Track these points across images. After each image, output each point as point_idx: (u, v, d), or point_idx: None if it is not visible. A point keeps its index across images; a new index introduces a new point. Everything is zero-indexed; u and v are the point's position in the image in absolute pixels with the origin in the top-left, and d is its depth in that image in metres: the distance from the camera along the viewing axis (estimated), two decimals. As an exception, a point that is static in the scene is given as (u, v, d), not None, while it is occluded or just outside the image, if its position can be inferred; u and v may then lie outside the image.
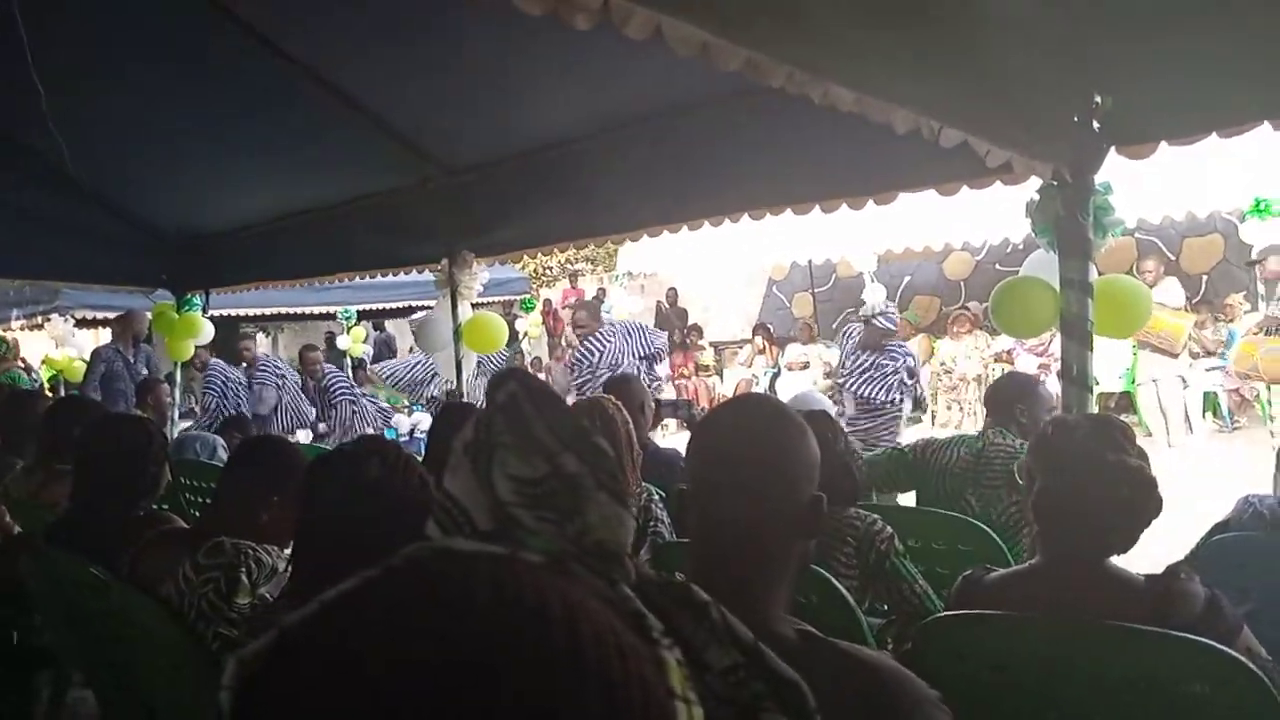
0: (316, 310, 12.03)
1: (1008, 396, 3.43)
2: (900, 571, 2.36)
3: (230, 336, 9.43)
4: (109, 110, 4.46)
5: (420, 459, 2.36)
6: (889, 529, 2.39)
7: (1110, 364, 9.13)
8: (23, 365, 10.45)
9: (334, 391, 8.41)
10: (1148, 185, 6.69)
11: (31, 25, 3.33)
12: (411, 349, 10.22)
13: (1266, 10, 2.47)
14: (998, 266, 11.19)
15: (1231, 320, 9.16)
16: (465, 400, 4.77)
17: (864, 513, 2.42)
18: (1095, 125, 2.76)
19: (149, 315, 7.04)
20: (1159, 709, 1.59)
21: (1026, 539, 2.61)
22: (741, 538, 1.19)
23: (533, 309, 16.49)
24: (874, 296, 11.10)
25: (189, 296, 6.52)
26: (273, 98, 4.19)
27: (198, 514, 3.65)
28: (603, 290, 16.83)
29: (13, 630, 2.68)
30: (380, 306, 11.98)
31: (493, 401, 0.57)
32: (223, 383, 7.73)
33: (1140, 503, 1.74)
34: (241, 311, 10.55)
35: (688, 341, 14.12)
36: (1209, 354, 8.98)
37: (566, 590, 0.45)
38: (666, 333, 10.01)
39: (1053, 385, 4.95)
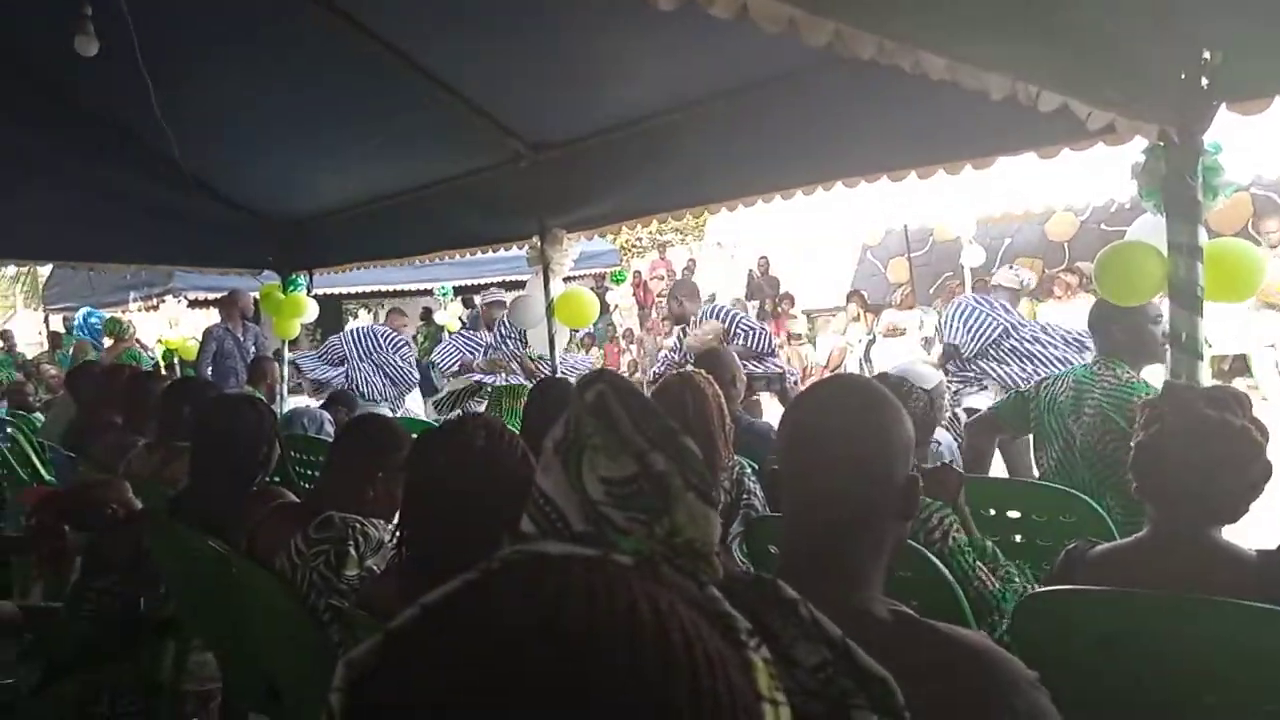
0: (415, 287, 12.30)
1: (1099, 318, 3.35)
2: (955, 571, 2.16)
3: (333, 314, 9.71)
4: (213, 100, 4.64)
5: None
6: (947, 521, 2.24)
7: (1224, 323, 8.75)
8: (140, 345, 10.96)
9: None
10: (1263, 138, 6.37)
11: (140, 22, 3.47)
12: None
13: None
14: (1103, 227, 10.79)
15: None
16: (560, 376, 4.83)
17: (925, 500, 2.25)
18: (1204, 82, 2.63)
19: (253, 294, 7.31)
20: (1269, 688, 1.55)
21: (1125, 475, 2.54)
22: (835, 519, 1.20)
23: (623, 281, 16.53)
24: (975, 258, 10.85)
25: (293, 277, 6.75)
26: (366, 81, 4.29)
27: (307, 486, 3.79)
28: (692, 260, 16.78)
29: (139, 599, 2.84)
30: (476, 282, 12.19)
31: (581, 401, 0.58)
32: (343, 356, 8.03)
33: (1240, 464, 1.68)
34: (344, 290, 10.86)
35: (779, 310, 14.01)
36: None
37: (656, 595, 0.46)
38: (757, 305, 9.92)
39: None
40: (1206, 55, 2.60)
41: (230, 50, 4.19)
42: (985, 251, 11.61)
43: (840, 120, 3.55)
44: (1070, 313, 10.51)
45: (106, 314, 12.01)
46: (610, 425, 0.57)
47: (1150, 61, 2.61)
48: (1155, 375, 3.17)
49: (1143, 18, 2.52)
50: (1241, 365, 8.96)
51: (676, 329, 6.57)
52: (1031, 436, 3.45)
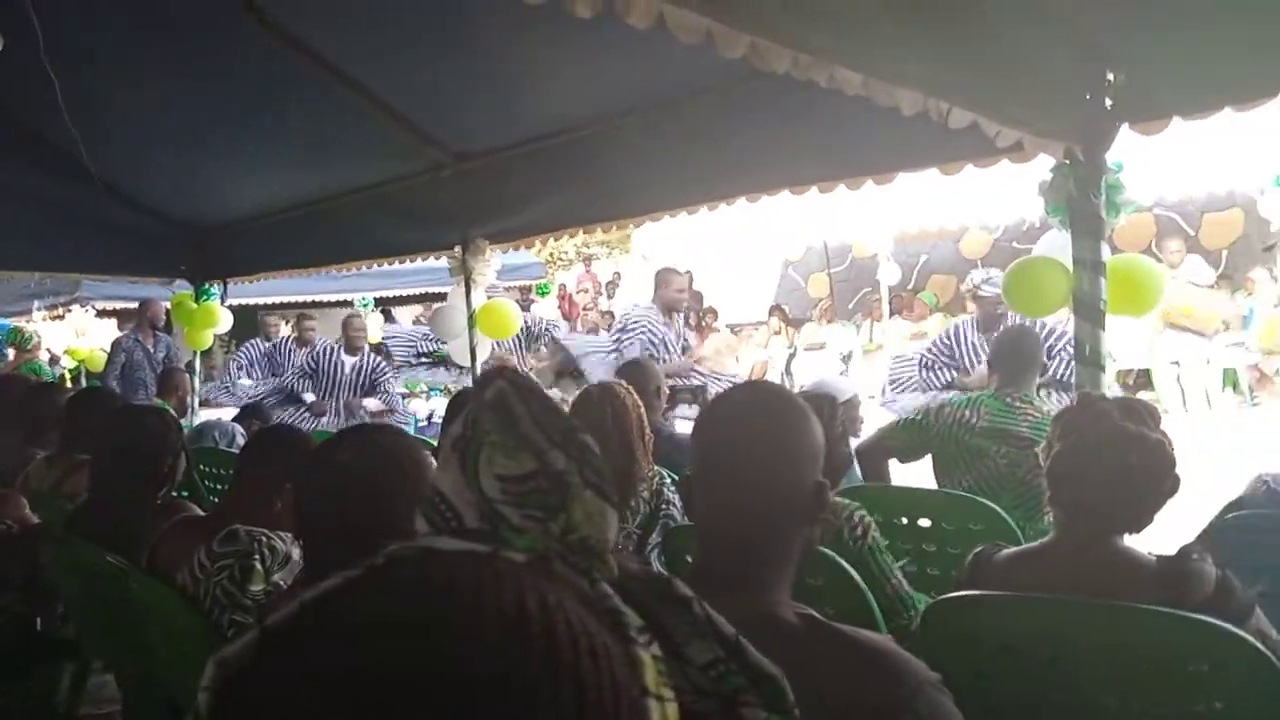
0: (333, 298, 12.08)
1: (1011, 348, 3.40)
2: (871, 569, 2.23)
3: (248, 325, 9.50)
4: (124, 102, 4.50)
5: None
6: (866, 521, 2.28)
7: (1128, 339, 9.07)
8: (49, 355, 10.56)
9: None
10: (1166, 162, 6.64)
11: (44, 15, 3.35)
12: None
13: (1280, -17, 2.44)
14: (1015, 245, 11.10)
15: (1251, 295, 9.08)
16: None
17: (844, 501, 2.31)
18: (1107, 102, 2.73)
19: (165, 304, 7.10)
20: (1167, 689, 1.60)
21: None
22: (745, 523, 1.20)
23: (548, 294, 16.47)
24: (892, 275, 11.08)
25: (207, 286, 6.57)
26: (285, 87, 4.20)
27: (216, 500, 3.69)
28: (618, 274, 16.80)
29: (35, 619, 2.72)
30: (396, 294, 12.02)
31: (481, 398, 0.58)
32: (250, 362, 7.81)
33: (1156, 476, 1.73)
34: (260, 300, 10.61)
35: (704, 323, 14.10)
36: (1227, 329, 8.91)
37: (544, 591, 0.45)
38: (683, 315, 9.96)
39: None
40: (1110, 76, 2.70)
41: (142, 50, 4.07)
42: (901, 269, 11.88)
43: (751, 135, 3.60)
44: (983, 328, 10.80)
45: (10, 324, 11.55)
46: (509, 423, 0.56)
47: (1057, 81, 2.70)
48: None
49: (1050, 39, 2.61)
50: (1144, 380, 9.29)
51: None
52: (933, 460, 3.48)
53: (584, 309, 15.48)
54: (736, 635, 0.55)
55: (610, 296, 15.97)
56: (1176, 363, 8.59)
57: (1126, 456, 1.72)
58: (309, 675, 0.41)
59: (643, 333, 5.81)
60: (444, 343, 6.35)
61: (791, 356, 12.15)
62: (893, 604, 2.24)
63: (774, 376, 12.39)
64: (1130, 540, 1.83)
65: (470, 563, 0.46)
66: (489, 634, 0.42)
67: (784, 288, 15.33)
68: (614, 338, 6.23)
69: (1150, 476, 1.73)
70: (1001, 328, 5.46)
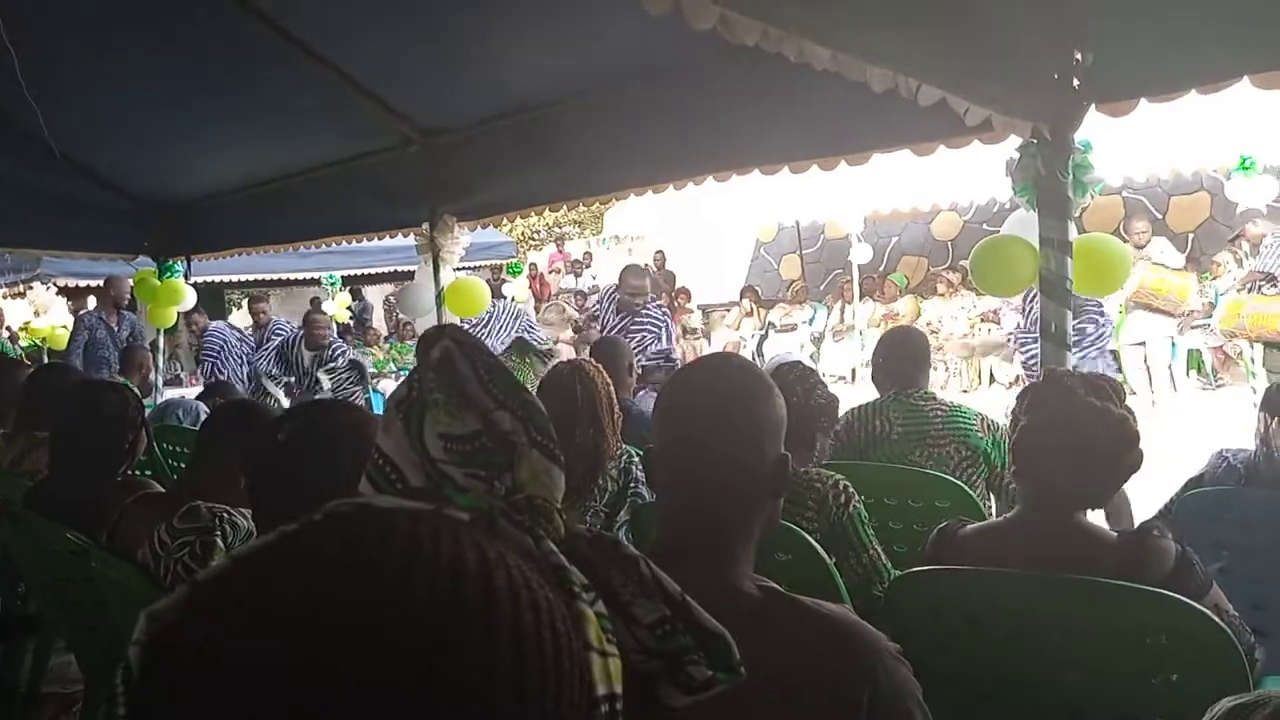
0: (301, 276, 11.97)
1: (902, 353, 3.38)
2: (851, 537, 2.29)
3: (215, 303, 9.40)
4: (84, 74, 4.40)
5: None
6: (850, 491, 2.32)
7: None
8: (8, 333, 10.40)
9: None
10: (1133, 144, 6.69)
11: (-1, -14, 3.27)
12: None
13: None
14: (985, 226, 11.19)
15: (1217, 278, 9.20)
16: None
17: (826, 473, 2.36)
18: (1075, 82, 2.74)
19: (130, 281, 7.00)
20: (1127, 662, 1.62)
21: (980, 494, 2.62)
22: (707, 495, 1.20)
23: (520, 273, 16.42)
24: (863, 256, 11.13)
25: (170, 263, 6.48)
26: (249, 60, 4.14)
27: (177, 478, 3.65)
28: (588, 254, 16.78)
29: (-5, 597, 2.69)
30: (364, 272, 11.93)
31: (426, 358, 0.56)
32: (221, 346, 7.70)
33: (1118, 452, 1.74)
34: (225, 278, 10.50)
35: (675, 304, 14.11)
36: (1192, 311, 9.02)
37: (484, 545, 0.45)
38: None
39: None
40: (1079, 56, 2.70)
41: (105, 21, 3.98)
42: (872, 250, 11.94)
43: (723, 113, 3.58)
44: (950, 310, 10.88)
45: (-32, 302, 11.37)
46: (454, 382, 0.55)
47: (1025, 60, 2.70)
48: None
49: (1020, 17, 2.61)
50: (1111, 360, 9.39)
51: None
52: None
53: (554, 290, 15.46)
54: (683, 595, 0.55)
55: (579, 276, 15.93)
56: (1142, 342, 8.68)
57: (1090, 431, 1.73)
58: (239, 628, 0.40)
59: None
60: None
61: (763, 338, 12.20)
62: (868, 573, 2.28)
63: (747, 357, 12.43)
64: (1093, 517, 1.85)
65: (408, 518, 0.45)
66: (424, 587, 0.42)
67: (756, 269, 15.37)
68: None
69: (1112, 452, 1.74)
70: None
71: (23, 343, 11.08)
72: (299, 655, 0.38)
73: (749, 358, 11.28)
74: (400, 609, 0.40)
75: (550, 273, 16.49)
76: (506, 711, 0.41)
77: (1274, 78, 2.46)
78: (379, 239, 5.70)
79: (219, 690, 0.38)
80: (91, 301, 9.89)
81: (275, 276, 11.72)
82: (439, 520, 0.46)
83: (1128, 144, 6.50)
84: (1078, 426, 1.75)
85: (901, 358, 3.36)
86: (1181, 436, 6.27)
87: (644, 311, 6.24)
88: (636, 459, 2.83)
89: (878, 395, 3.33)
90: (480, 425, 0.55)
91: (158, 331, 6.75)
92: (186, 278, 6.53)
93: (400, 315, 6.55)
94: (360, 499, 0.49)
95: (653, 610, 0.53)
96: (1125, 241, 7.98)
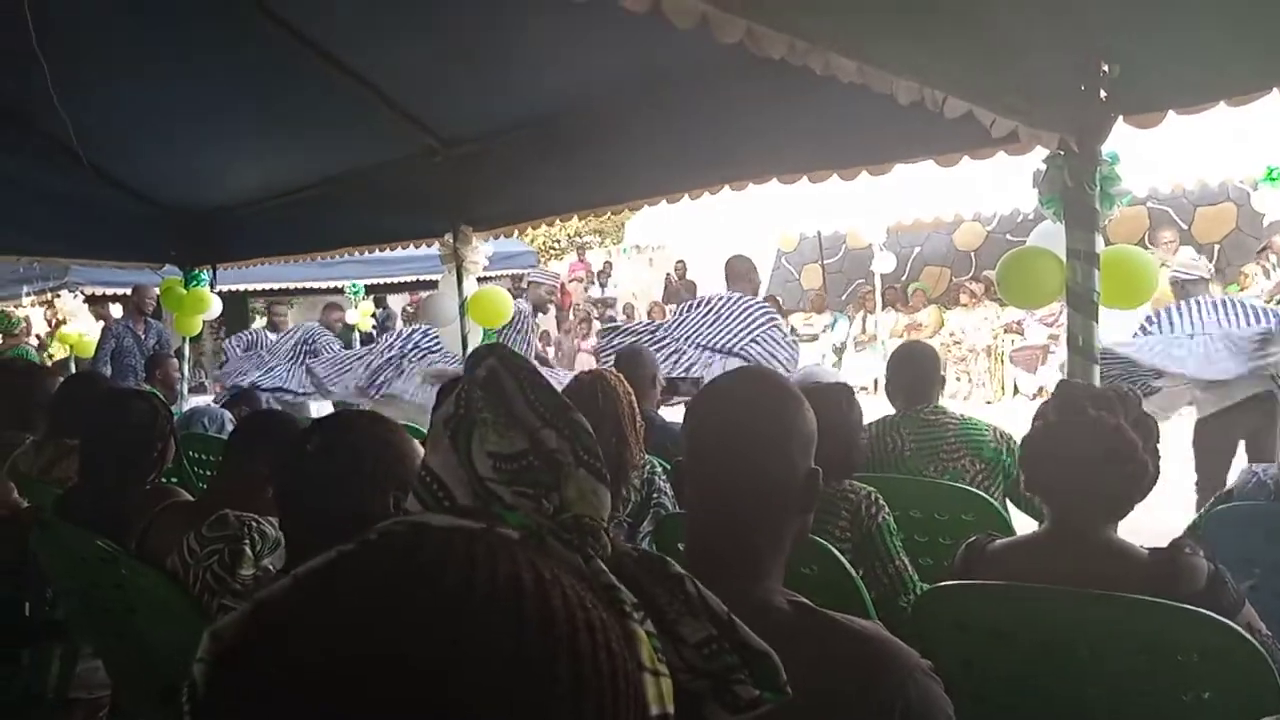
0: (324, 285, 12.04)
1: (909, 370, 3.39)
2: (879, 547, 2.31)
3: (238, 311, 9.47)
4: (113, 86, 4.46)
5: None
6: (881, 502, 2.35)
7: (1118, 332, 9.08)
8: (36, 341, 10.51)
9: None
10: (1159, 154, 6.65)
11: (34, -1, 3.32)
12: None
13: (1275, -24, 2.44)
14: (1009, 237, 11.14)
15: (1244, 290, 9.10)
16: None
17: (859, 485, 2.38)
18: (1102, 94, 2.73)
19: (155, 289, 7.07)
20: (1158, 680, 1.60)
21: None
22: (736, 510, 1.20)
23: (541, 283, 16.45)
24: (886, 266, 11.09)
25: (196, 272, 6.54)
26: (274, 71, 4.18)
27: (205, 486, 3.68)
28: (609, 264, 16.81)
29: (24, 602, 2.71)
30: (387, 281, 11.98)
31: (473, 377, 0.57)
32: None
33: (1120, 460, 1.72)
34: (250, 286, 10.57)
35: (696, 314, 14.09)
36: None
37: (539, 565, 0.45)
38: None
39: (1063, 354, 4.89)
40: (1105, 68, 2.69)
41: (134, 34, 4.03)
42: (896, 259, 11.91)
43: (745, 122, 3.58)
44: (974, 321, 10.83)
45: (-2, 308, 11.49)
46: (501, 401, 0.56)
47: (1052, 72, 2.69)
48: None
49: (1046, 29, 2.60)
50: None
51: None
52: None
53: (582, 301, 15.49)
54: (729, 614, 0.55)
55: (603, 286, 15.95)
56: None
57: (1083, 440, 1.73)
58: (302, 647, 0.40)
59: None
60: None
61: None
62: (894, 584, 2.29)
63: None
64: (1124, 534, 1.83)
65: (463, 537, 0.46)
66: (482, 606, 0.42)
67: (777, 278, 15.34)
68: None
69: (1109, 460, 1.72)
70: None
71: (51, 350, 11.18)
72: (365, 673, 0.39)
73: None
74: (458, 630, 0.41)
75: (571, 282, 16.52)
76: None
77: (1304, 89, 2.44)
78: (402, 248, 5.73)
79: (288, 708, 0.39)
80: (117, 310, 9.99)
81: (298, 285, 11.79)
82: (493, 539, 0.46)
83: (1153, 155, 6.47)
84: (1072, 437, 1.75)
85: (910, 373, 3.36)
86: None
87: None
88: (660, 469, 2.83)
89: (892, 410, 3.33)
90: (527, 444, 0.55)
91: (183, 340, 6.80)
92: (212, 286, 6.59)
93: (424, 324, 6.56)
94: (414, 517, 0.49)
95: (699, 629, 0.54)
96: (1151, 252, 7.95)
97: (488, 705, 0.39)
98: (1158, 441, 1.79)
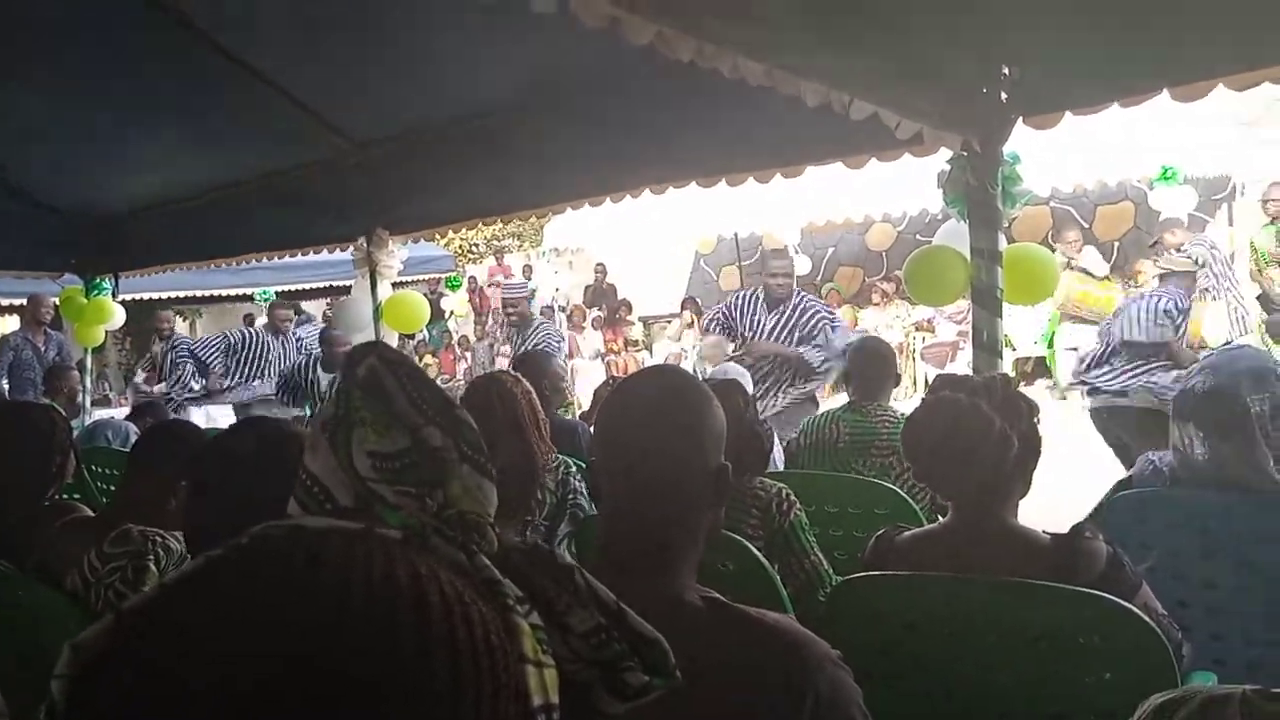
0: (233, 292, 11.73)
1: (862, 363, 3.52)
2: (793, 544, 2.34)
3: (145, 320, 9.18)
4: (5, 88, 4.28)
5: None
6: (793, 499, 2.38)
7: (1028, 328, 9.38)
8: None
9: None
10: (1061, 155, 6.86)
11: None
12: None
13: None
14: (918, 237, 11.38)
15: (1141, 286, 9.45)
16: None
17: (770, 482, 2.41)
18: (1003, 96, 2.81)
19: (53, 299, 6.83)
20: (1060, 662, 1.65)
21: (925, 504, 2.69)
22: (648, 506, 1.20)
23: (458, 287, 16.31)
24: (801, 267, 11.24)
25: (98, 280, 6.33)
26: (181, 73, 4.06)
27: (107, 501, 3.55)
28: (528, 267, 16.72)
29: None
30: (299, 287, 11.71)
31: (352, 376, 0.56)
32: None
33: (978, 443, 1.75)
34: (155, 295, 10.25)
35: (617, 317, 14.12)
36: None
37: (416, 562, 0.45)
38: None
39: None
40: (1006, 71, 2.77)
41: (26, 32, 3.88)
42: (810, 260, 12.08)
43: (659, 126, 3.62)
44: (886, 319, 11.05)
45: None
46: (382, 400, 0.55)
47: (955, 75, 2.76)
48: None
49: (949, 33, 2.67)
50: (1043, 367, 9.62)
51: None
52: None
53: (499, 305, 15.35)
54: (618, 603, 0.55)
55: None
56: (1075, 349, 8.89)
57: (942, 425, 1.78)
58: (168, 656, 0.39)
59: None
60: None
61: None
62: (810, 580, 2.31)
63: (688, 369, 12.48)
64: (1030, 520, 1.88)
65: (339, 538, 0.45)
66: (356, 606, 0.41)
67: (696, 280, 15.43)
68: None
69: (971, 442, 1.75)
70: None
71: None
72: (235, 681, 0.38)
73: (690, 369, 11.35)
74: (334, 630, 0.40)
75: (490, 286, 16.39)
76: None
77: (1192, 90, 2.55)
78: (315, 253, 5.63)
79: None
80: (14, 321, 9.61)
81: (207, 293, 11.47)
82: (370, 539, 0.46)
83: (1055, 155, 6.67)
84: (933, 423, 1.81)
85: (863, 371, 3.49)
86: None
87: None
88: (576, 470, 2.81)
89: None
90: (409, 442, 0.55)
91: (85, 351, 6.57)
92: (115, 295, 6.38)
93: (337, 330, 6.43)
94: (290, 521, 0.48)
95: (588, 619, 0.54)
96: (1054, 251, 8.22)
97: (363, 704, 0.39)
98: (1033, 420, 1.83)
